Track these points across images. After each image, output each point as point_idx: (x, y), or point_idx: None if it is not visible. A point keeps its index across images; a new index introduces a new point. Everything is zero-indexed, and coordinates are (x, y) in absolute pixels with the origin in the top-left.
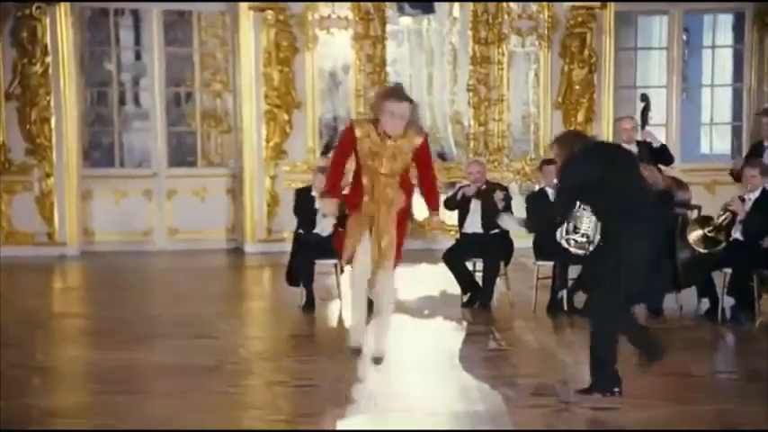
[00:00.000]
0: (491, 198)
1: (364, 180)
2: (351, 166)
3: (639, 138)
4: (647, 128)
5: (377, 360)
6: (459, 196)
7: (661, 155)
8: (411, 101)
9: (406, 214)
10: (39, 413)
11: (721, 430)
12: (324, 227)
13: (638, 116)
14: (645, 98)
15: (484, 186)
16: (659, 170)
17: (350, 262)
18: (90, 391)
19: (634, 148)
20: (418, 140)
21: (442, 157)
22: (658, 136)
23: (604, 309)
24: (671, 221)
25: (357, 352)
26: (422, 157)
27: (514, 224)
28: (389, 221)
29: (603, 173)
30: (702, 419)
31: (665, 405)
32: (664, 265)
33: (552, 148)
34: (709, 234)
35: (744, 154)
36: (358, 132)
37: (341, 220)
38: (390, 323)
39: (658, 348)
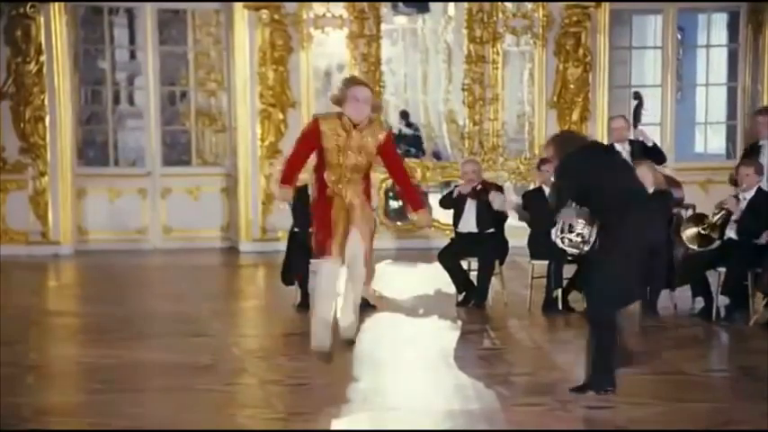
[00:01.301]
0: (486, 197)
1: (330, 176)
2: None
3: (632, 137)
4: (640, 126)
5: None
6: (455, 194)
7: (653, 154)
8: (372, 89)
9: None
10: (32, 412)
11: (715, 429)
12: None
13: (630, 114)
14: (638, 96)
15: (479, 186)
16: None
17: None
18: (83, 389)
19: (626, 147)
20: (382, 135)
21: (437, 156)
22: (651, 135)
23: (604, 305)
24: (668, 215)
25: (324, 354)
26: (388, 151)
27: (502, 202)
28: (359, 215)
29: (600, 171)
30: (696, 418)
31: (659, 403)
32: (658, 262)
33: (547, 148)
34: (704, 232)
35: (738, 154)
36: (323, 127)
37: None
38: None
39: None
